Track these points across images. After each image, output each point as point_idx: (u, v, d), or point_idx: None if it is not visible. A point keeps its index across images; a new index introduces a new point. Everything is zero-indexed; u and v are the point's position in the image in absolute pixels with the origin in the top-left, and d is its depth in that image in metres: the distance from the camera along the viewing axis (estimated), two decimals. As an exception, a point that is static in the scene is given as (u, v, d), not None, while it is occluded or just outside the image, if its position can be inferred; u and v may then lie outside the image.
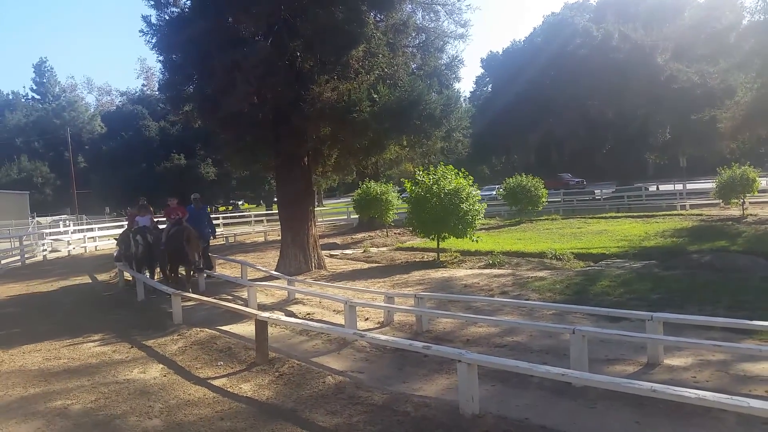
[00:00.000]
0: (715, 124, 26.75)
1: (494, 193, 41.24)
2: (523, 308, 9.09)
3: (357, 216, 29.51)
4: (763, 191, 26.55)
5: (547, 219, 26.26)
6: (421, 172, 15.50)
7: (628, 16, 43.92)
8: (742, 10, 26.12)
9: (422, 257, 16.82)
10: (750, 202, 23.56)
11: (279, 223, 17.52)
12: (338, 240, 24.95)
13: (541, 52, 48.11)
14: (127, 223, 16.14)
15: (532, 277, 11.87)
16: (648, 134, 42.90)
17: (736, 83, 25.73)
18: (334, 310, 10.07)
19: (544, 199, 28.27)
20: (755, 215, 21.01)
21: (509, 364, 5.18)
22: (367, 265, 16.37)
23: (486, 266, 14.13)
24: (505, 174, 39.32)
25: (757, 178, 22.58)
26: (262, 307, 10.10)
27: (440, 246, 16.26)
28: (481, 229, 20.00)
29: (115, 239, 16.63)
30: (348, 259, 18.43)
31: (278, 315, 8.40)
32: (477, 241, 15.89)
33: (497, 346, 7.43)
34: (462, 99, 44.85)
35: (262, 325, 7.16)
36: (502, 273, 12.80)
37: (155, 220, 14.94)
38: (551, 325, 7.23)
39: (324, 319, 9.55)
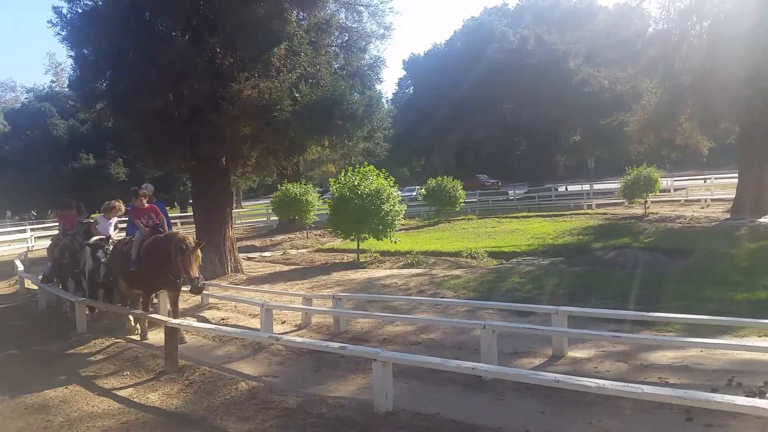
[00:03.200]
0: (623, 127, 28.33)
1: (414, 193, 41.89)
2: (438, 306, 9.28)
3: (277, 218, 29.10)
4: (664, 191, 28.49)
5: (464, 219, 26.97)
6: (348, 173, 15.50)
7: (545, 20, 45.67)
8: (648, 18, 27.77)
9: (342, 258, 16.82)
10: (652, 201, 25.17)
11: (194, 225, 16.96)
12: (257, 242, 24.50)
13: (460, 55, 49.26)
14: (61, 227, 11.19)
15: (448, 275, 12.14)
16: (559, 137, 44.94)
17: (643, 88, 27.33)
18: (249, 314, 9.87)
19: (461, 200, 29.00)
20: (656, 213, 22.48)
21: (423, 360, 5.27)
22: (286, 268, 16.18)
23: (405, 266, 14.32)
24: (425, 175, 40.02)
25: (659, 179, 24.24)
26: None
27: (360, 247, 16.33)
28: (401, 230, 20.26)
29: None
30: (266, 261, 18.13)
31: (190, 321, 8.15)
32: (397, 242, 16.07)
33: (413, 344, 7.54)
34: (384, 100, 45.20)
35: (171, 332, 6.89)
36: (419, 272, 13.01)
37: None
38: (463, 321, 7.42)
39: (239, 323, 9.33)
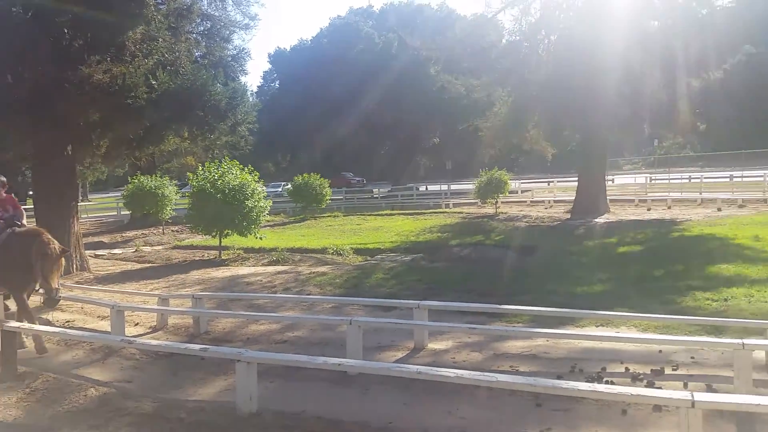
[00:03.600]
0: (478, 132, 30.08)
1: (280, 189, 41.34)
2: (304, 303, 9.23)
3: (129, 212, 27.21)
4: (513, 192, 30.71)
5: (330, 216, 27.11)
6: (206, 167, 14.85)
7: (408, 25, 47.35)
8: (502, 30, 29.62)
9: (203, 255, 16.14)
10: (502, 202, 27.03)
11: (35, 219, 15.32)
12: (106, 239, 22.73)
13: (327, 53, 49.51)
14: None
15: (313, 272, 12.13)
16: (421, 139, 46.82)
17: (496, 97, 29.21)
18: (98, 316, 9.12)
19: (328, 198, 29.11)
20: (506, 213, 24.15)
21: (289, 359, 5.23)
22: (139, 266, 15.18)
23: (270, 263, 14.07)
24: (291, 171, 39.62)
25: (508, 181, 26.11)
26: (12, 316, 8.71)
27: (223, 244, 15.77)
28: (266, 226, 19.88)
29: None
30: (117, 259, 16.88)
31: (30, 324, 7.33)
32: (262, 238, 15.74)
33: (278, 342, 7.43)
34: (249, 93, 44.05)
35: (9, 336, 6.20)
36: (285, 269, 12.86)
37: None
38: (330, 318, 7.46)
39: (86, 326, 8.60)
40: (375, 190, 43.94)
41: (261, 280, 11.73)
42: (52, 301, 6.94)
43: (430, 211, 27.56)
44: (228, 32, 18.10)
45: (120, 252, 18.53)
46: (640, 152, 58.29)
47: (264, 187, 16.28)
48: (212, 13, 17.25)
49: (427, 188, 45.44)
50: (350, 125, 46.98)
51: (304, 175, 29.02)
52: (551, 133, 24.57)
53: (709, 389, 4.85)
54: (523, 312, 7.28)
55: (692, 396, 3.55)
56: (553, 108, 22.64)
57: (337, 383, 5.74)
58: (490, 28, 34.68)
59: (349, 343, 6.06)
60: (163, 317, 8.36)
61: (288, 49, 61.91)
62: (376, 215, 26.47)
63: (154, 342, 6.35)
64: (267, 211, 16.00)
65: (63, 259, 6.95)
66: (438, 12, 52.39)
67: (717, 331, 6.27)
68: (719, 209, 20.72)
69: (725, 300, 7.90)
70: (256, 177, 15.10)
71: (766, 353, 5.35)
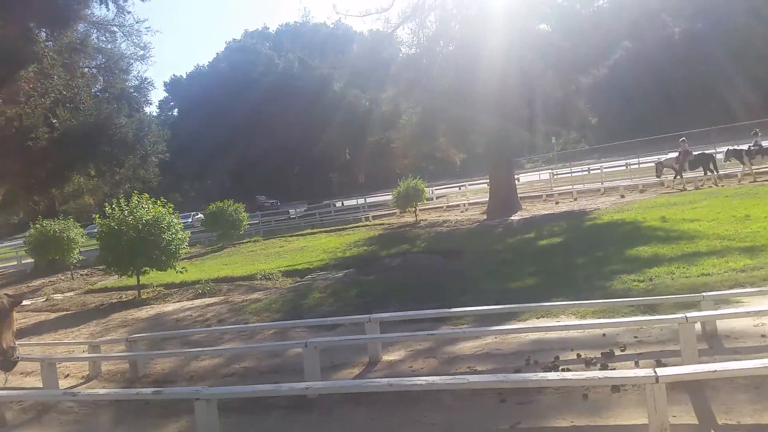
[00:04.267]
0: (390, 144, 30.54)
1: (190, 220, 39.92)
2: (244, 333, 8.96)
3: (32, 260, 25.23)
4: (428, 199, 31.35)
5: (249, 241, 26.48)
6: (115, 204, 14.09)
7: (306, 45, 47.27)
8: (400, 44, 30.19)
9: (120, 297, 15.28)
10: (420, 210, 27.51)
11: None
12: (10, 290, 20.91)
13: (226, 77, 48.61)
14: None
15: (246, 300, 11.78)
16: (331, 156, 46.87)
17: (403, 108, 29.77)
18: (21, 373, 8.38)
19: (245, 223, 28.40)
20: (425, 220, 24.61)
21: (251, 390, 5.07)
22: (54, 315, 14.14)
23: (196, 296, 13.54)
24: (199, 200, 38.41)
25: (425, 189, 26.60)
26: None
27: (141, 282, 14.99)
28: (183, 259, 19.09)
29: None
30: (27, 311, 15.60)
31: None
32: (183, 271, 15.11)
33: (226, 376, 7.16)
34: (155, 122, 42.48)
35: None
36: (215, 301, 12.41)
37: None
38: (283, 344, 7.30)
39: (9, 387, 7.87)
40: (291, 211, 43.42)
41: (191, 315, 11.25)
42: (8, 364, 5.78)
43: (351, 225, 27.59)
44: (126, 64, 17.40)
45: (29, 303, 17.12)
46: (539, 150, 61.45)
47: (180, 219, 15.63)
48: (104, 46, 16.51)
49: (343, 203, 45.48)
50: (259, 147, 46.28)
51: (218, 202, 28.16)
52: (459, 139, 25.33)
53: (659, 364, 5.15)
54: (467, 313, 7.44)
55: (656, 372, 3.77)
56: (458, 115, 23.41)
57: (298, 409, 5.60)
58: (387, 42, 35.37)
59: (307, 366, 5.93)
60: (95, 365, 7.81)
61: (184, 76, 60.14)
62: (297, 235, 26.15)
63: (102, 391, 5.93)
64: (186, 243, 15.39)
65: (15, 314, 5.94)
66: (335, 30, 52.71)
67: (651, 309, 6.70)
68: (622, 196, 22.16)
69: (650, 280, 8.44)
70: (170, 209, 14.51)
71: (702, 324, 5.76)
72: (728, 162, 21.62)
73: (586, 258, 11.11)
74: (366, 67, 39.03)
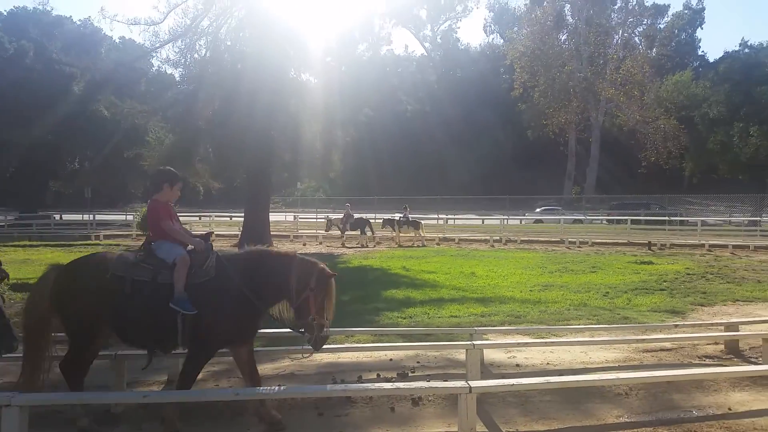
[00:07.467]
0: (133, 160, 28.52)
1: None
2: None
3: None
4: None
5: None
6: None
7: (45, 34, 41.74)
8: (166, 61, 28.88)
9: None
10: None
11: None
12: None
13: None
14: None
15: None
16: (57, 162, 41.48)
17: (152, 126, 28.32)
18: None
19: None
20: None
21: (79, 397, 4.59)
22: None
23: None
24: None
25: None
26: None
27: None
28: None
29: None
30: None
31: None
32: None
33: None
34: None
35: None
36: None
37: None
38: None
39: None
40: (1, 218, 36.93)
41: None
42: (321, 341, 5.02)
43: (80, 243, 24.84)
44: None
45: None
46: (281, 192, 63.42)
47: None
48: None
49: (61, 217, 40.47)
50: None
51: None
52: (219, 167, 25.06)
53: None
54: (261, 335, 7.62)
55: (469, 384, 4.64)
56: (220, 144, 23.32)
57: (101, 423, 5.20)
58: (150, 56, 33.49)
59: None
60: None
61: None
62: (15, 246, 22.48)
63: None
64: None
65: None
66: (81, 28, 47.40)
67: (427, 338, 7.82)
68: (304, 244, 24.86)
69: (410, 317, 9.72)
70: None
71: (467, 352, 6.96)
72: (384, 228, 26.67)
73: (349, 295, 12.12)
74: (115, 75, 36.29)
